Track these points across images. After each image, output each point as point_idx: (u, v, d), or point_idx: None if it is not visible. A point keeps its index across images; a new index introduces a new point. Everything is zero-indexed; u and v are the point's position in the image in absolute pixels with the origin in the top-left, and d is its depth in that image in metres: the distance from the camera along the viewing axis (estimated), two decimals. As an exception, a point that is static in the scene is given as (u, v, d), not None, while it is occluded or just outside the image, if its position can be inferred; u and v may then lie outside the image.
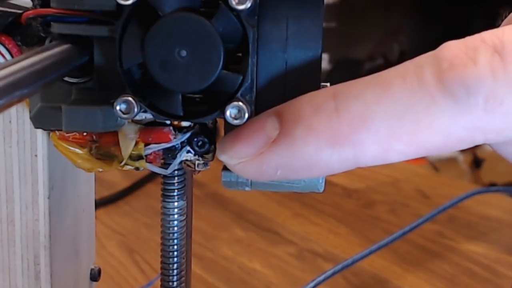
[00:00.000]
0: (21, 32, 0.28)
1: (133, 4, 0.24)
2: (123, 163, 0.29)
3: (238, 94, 0.24)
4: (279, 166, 0.23)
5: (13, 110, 0.31)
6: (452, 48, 0.22)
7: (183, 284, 0.33)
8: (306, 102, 0.23)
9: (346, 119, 0.22)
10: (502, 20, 0.25)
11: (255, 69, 0.25)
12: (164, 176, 0.31)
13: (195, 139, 0.29)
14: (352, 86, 0.23)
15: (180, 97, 0.25)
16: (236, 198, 0.78)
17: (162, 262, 0.32)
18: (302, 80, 0.25)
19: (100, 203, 0.74)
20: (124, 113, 0.25)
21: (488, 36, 0.22)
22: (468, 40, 0.22)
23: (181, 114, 0.25)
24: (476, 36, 0.22)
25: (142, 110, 0.25)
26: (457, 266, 0.63)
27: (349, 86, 0.23)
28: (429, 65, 0.22)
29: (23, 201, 0.32)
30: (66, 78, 0.27)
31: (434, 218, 0.68)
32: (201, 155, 0.29)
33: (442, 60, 0.21)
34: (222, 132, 0.26)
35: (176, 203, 0.31)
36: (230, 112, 0.24)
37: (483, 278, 0.61)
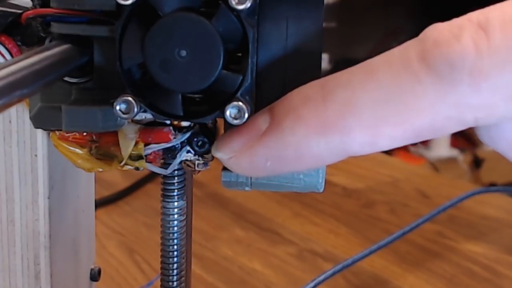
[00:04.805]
0: (21, 32, 0.28)
1: (133, 4, 0.24)
2: (123, 163, 0.29)
3: (238, 94, 0.24)
4: (268, 156, 0.23)
5: (13, 110, 0.31)
6: (437, 28, 0.21)
7: (183, 284, 0.33)
8: (295, 94, 0.23)
9: (333, 107, 0.22)
10: None
11: (255, 69, 0.25)
12: (164, 176, 0.31)
13: (195, 139, 0.29)
14: (340, 76, 0.23)
15: (180, 97, 0.25)
16: (236, 198, 0.78)
17: (162, 262, 0.32)
18: (302, 80, 0.25)
19: (100, 203, 0.74)
20: (124, 113, 0.25)
21: (474, 14, 0.21)
22: (454, 20, 0.22)
23: (181, 114, 0.25)
24: (463, 16, 0.21)
25: (142, 110, 0.25)
26: (457, 266, 0.63)
27: (336, 76, 0.23)
28: (413, 46, 0.22)
29: (23, 201, 0.32)
30: (66, 78, 0.27)
31: (434, 218, 0.68)
32: (201, 155, 0.29)
33: (426, 40, 0.21)
34: (222, 132, 0.26)
35: (176, 203, 0.31)
36: (230, 112, 0.24)
37: (483, 278, 0.61)
